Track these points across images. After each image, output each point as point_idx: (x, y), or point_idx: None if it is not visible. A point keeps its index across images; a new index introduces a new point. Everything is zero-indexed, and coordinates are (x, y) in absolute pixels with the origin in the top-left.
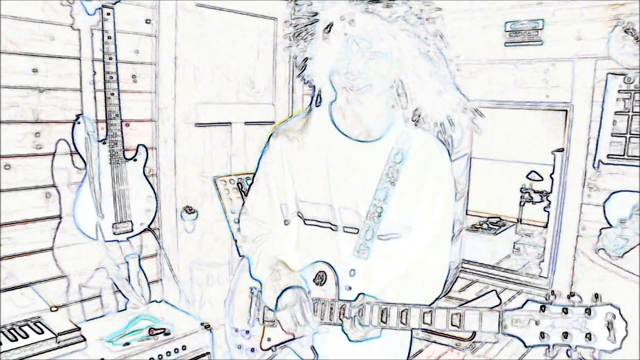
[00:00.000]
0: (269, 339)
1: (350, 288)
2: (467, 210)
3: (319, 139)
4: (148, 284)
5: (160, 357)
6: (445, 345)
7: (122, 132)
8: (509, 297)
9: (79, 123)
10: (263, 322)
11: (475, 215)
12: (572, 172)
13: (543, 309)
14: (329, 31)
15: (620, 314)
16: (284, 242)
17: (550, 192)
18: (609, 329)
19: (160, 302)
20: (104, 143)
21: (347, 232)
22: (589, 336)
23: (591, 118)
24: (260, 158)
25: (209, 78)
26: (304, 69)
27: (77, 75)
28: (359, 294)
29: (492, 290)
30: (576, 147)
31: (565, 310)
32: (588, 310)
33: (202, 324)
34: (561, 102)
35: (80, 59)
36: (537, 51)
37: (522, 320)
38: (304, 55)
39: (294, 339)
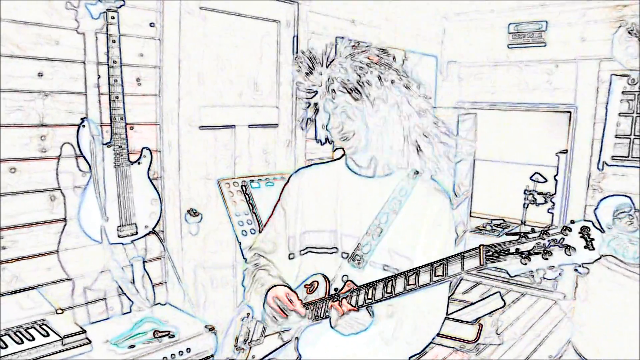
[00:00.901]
0: (253, 356)
1: (337, 289)
2: (470, 212)
3: (332, 177)
4: (152, 286)
5: (165, 359)
6: (449, 347)
7: (126, 135)
8: (512, 299)
9: (83, 126)
10: (250, 342)
11: (479, 217)
12: (576, 173)
13: (523, 235)
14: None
15: (594, 225)
16: (282, 273)
17: (554, 193)
18: (585, 239)
19: (164, 304)
20: (109, 146)
21: (344, 258)
22: (568, 250)
23: (595, 119)
24: (280, 195)
25: (213, 81)
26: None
27: (82, 79)
28: (347, 280)
29: (496, 292)
30: (580, 149)
31: (543, 233)
32: (564, 229)
33: (206, 326)
34: (565, 103)
35: (85, 63)
36: (541, 53)
37: (504, 251)
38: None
39: (278, 348)
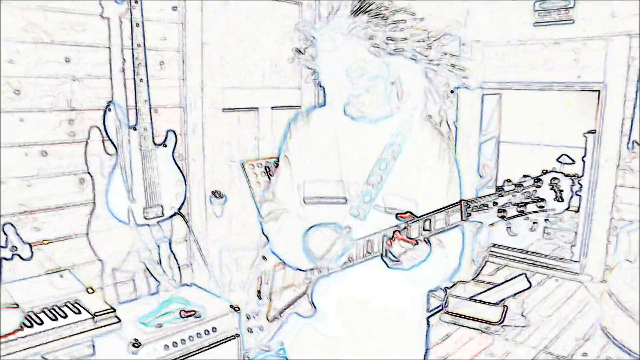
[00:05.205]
0: (275, 309)
1: None
2: None
3: (329, 124)
4: (179, 267)
5: (191, 338)
6: (474, 329)
7: (151, 118)
8: (538, 281)
9: (110, 110)
10: (270, 295)
11: None
12: (605, 154)
13: (500, 190)
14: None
15: (564, 175)
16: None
17: (582, 175)
18: (555, 191)
19: (190, 285)
20: (134, 129)
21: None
22: (539, 202)
23: (626, 98)
24: (281, 145)
25: (235, 63)
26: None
27: (107, 63)
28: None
29: (521, 274)
30: (609, 128)
31: (518, 186)
32: (537, 181)
33: (231, 306)
34: (593, 82)
35: (110, 47)
36: (568, 30)
37: (483, 205)
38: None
39: (295, 300)
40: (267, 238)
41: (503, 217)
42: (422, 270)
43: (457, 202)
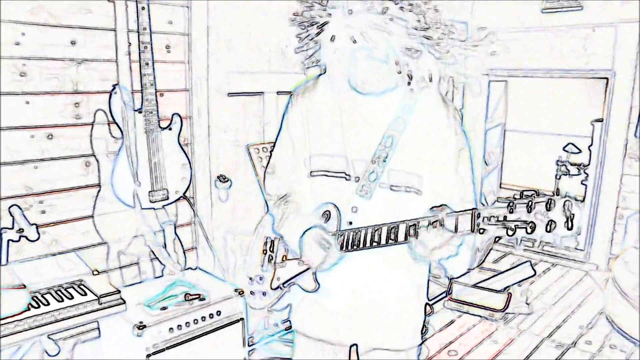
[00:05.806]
0: (278, 279)
1: (351, 223)
2: (500, 183)
3: (333, 96)
4: (183, 251)
5: (195, 321)
6: (478, 316)
7: (157, 101)
8: (543, 269)
9: (115, 93)
10: (275, 264)
11: (509, 189)
12: (612, 142)
13: (511, 206)
14: (334, 40)
15: (576, 200)
16: (307, 196)
17: (588, 164)
18: (566, 216)
19: (195, 269)
20: (140, 112)
21: (357, 181)
22: (550, 225)
23: (634, 85)
24: (283, 117)
25: (241, 48)
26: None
27: (113, 47)
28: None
29: (526, 261)
30: (617, 116)
31: (529, 206)
32: (549, 203)
33: (236, 290)
34: (602, 69)
35: (115, 30)
36: (577, 17)
37: (493, 217)
38: (313, 56)
39: (299, 274)
40: (272, 217)
41: (512, 234)
42: (445, 263)
43: (468, 210)
